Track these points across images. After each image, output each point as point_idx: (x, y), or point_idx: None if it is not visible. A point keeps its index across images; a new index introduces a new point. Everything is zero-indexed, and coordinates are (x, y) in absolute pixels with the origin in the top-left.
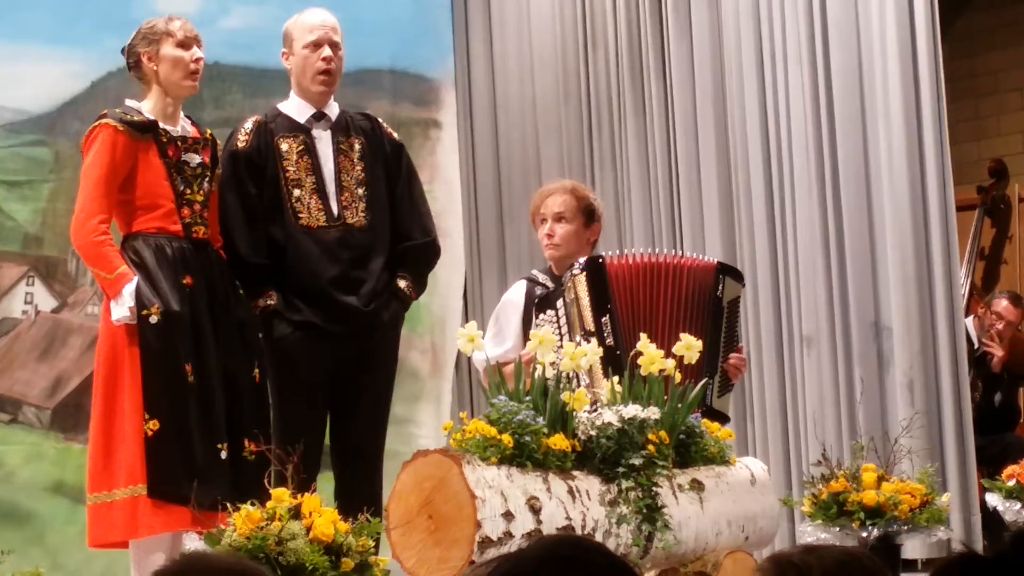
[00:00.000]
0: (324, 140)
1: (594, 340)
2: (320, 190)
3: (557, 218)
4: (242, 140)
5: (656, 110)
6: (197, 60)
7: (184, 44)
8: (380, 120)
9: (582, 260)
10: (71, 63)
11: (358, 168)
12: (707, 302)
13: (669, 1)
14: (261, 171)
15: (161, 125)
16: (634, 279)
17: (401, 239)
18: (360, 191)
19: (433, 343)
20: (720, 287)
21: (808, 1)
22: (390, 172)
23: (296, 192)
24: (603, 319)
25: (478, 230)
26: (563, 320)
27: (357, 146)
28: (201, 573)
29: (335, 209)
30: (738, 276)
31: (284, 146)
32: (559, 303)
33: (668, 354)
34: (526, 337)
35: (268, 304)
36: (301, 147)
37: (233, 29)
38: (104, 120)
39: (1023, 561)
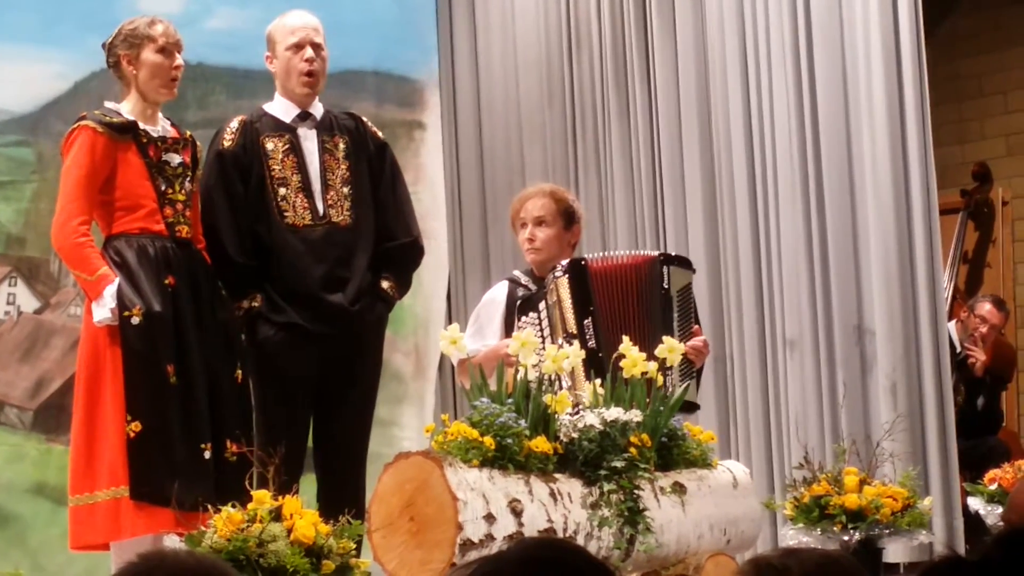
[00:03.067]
0: (309, 139)
1: (576, 342)
2: (306, 189)
3: (537, 222)
4: (228, 139)
5: (640, 112)
6: (177, 67)
7: (165, 50)
8: (364, 119)
9: (565, 262)
10: (54, 64)
11: (343, 167)
12: (656, 295)
13: (653, 4)
14: (247, 170)
15: (141, 126)
16: (611, 280)
17: (384, 239)
18: (345, 190)
19: (417, 345)
20: (665, 279)
21: (792, 4)
22: (374, 171)
23: (282, 191)
24: (585, 321)
25: (462, 232)
26: (545, 322)
27: (342, 145)
28: (164, 573)
29: (320, 208)
30: (685, 263)
31: (270, 145)
32: (541, 305)
33: (648, 356)
34: (507, 337)
35: (252, 306)
36: (287, 146)
37: (216, 30)
38: (83, 122)
39: (1007, 563)
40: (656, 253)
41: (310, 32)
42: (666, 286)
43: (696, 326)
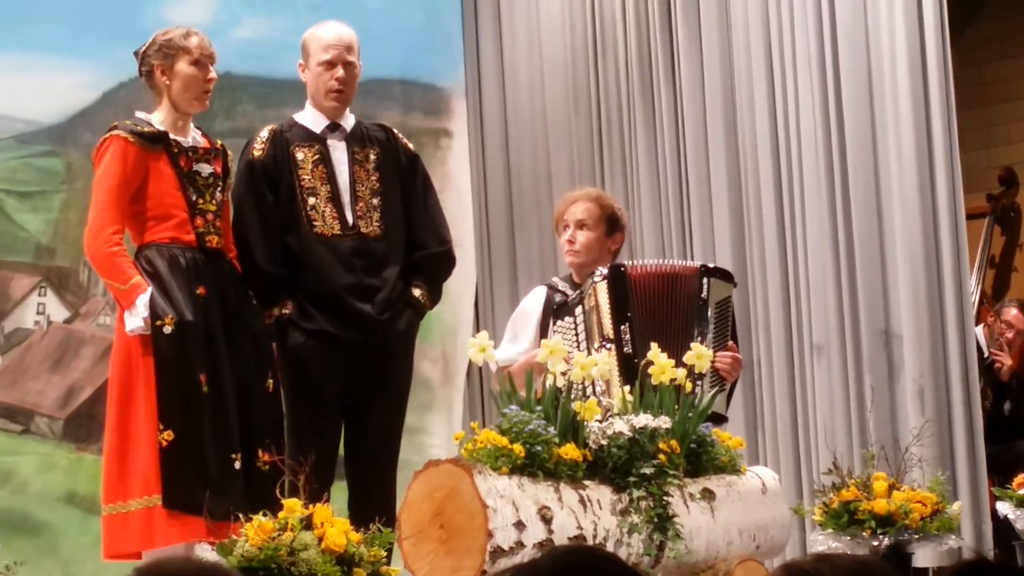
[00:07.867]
0: (339, 150)
1: (612, 347)
2: (335, 199)
3: (579, 225)
4: (258, 149)
5: (666, 118)
6: (209, 80)
7: (199, 63)
8: (395, 131)
9: (605, 268)
10: (82, 74)
11: (373, 178)
12: (694, 306)
13: (679, 9)
14: (277, 180)
15: (172, 136)
16: (649, 287)
17: (416, 249)
18: (375, 201)
19: (444, 352)
20: (704, 290)
21: (818, 8)
22: (405, 182)
23: (311, 200)
24: (622, 327)
25: (489, 239)
26: (581, 327)
27: (372, 156)
28: None
29: (350, 218)
30: (726, 276)
31: (300, 155)
32: (578, 310)
33: (678, 363)
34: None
35: (283, 313)
36: (316, 156)
37: (244, 39)
38: (115, 132)
39: None
40: (699, 264)
41: (343, 51)
42: (704, 296)
43: (731, 342)
